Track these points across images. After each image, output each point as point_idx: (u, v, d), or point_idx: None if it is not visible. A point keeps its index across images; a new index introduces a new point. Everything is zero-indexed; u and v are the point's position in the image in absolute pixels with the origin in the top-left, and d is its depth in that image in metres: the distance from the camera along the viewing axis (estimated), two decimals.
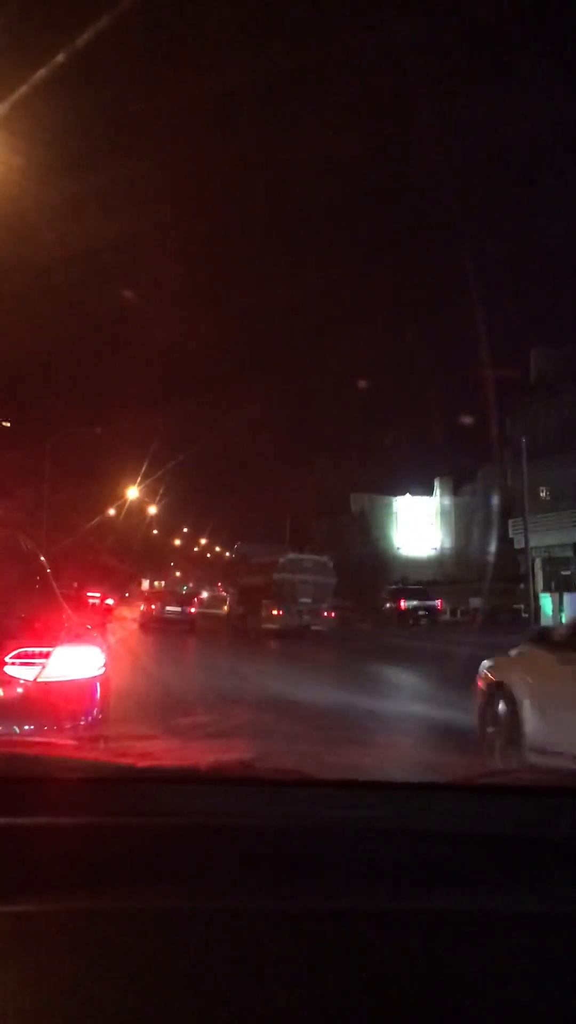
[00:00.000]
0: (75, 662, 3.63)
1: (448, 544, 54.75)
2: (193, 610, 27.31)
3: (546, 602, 32.88)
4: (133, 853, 1.22)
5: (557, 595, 33.12)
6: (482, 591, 30.85)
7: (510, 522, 35.03)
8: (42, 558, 4.65)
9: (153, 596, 28.88)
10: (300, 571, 25.41)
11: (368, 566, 44.41)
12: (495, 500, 36.28)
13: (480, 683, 5.77)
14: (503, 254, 60.78)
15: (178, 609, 26.23)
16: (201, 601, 32.52)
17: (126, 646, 16.93)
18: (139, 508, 41.81)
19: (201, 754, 1.75)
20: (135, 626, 25.18)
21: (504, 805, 1.45)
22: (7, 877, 1.14)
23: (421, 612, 33.09)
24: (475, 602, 31.08)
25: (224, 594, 36.66)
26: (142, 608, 27.64)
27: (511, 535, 34.89)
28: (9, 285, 23.39)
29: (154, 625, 24.67)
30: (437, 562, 52.09)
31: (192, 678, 13.09)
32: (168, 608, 26.23)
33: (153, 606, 26.69)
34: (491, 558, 31.60)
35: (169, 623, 24.65)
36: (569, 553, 33.74)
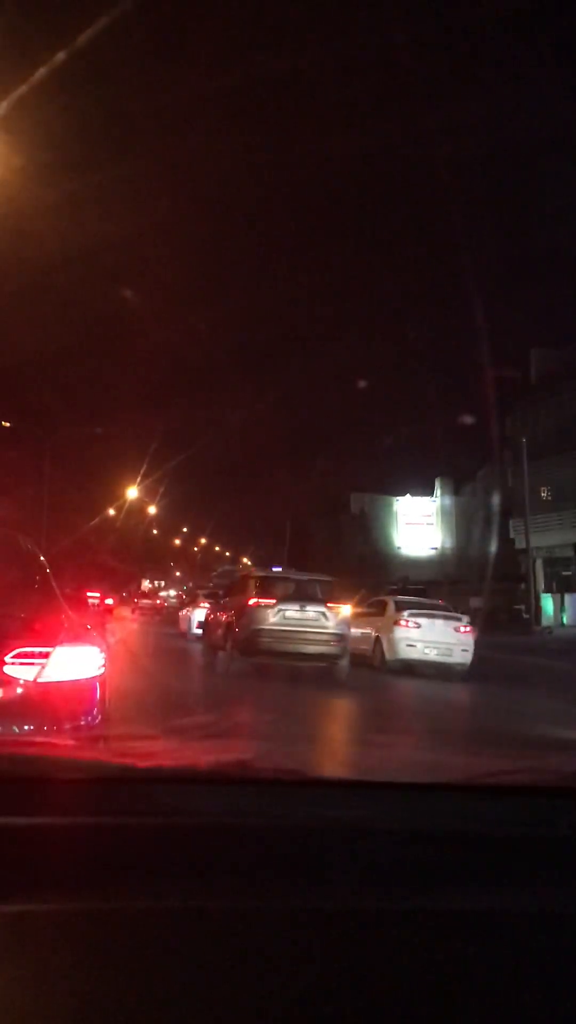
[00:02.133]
0: (75, 662, 3.63)
1: (448, 544, 54.73)
2: (159, 602, 45.85)
3: (547, 602, 32.89)
4: (133, 853, 1.22)
5: (558, 595, 33.13)
6: (482, 591, 30.81)
7: (511, 522, 35.02)
8: (42, 558, 4.65)
9: (133, 596, 47.37)
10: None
11: (368, 566, 44.40)
12: (495, 500, 36.24)
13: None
14: (503, 254, 60.76)
15: (149, 602, 45.65)
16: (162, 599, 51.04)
17: (124, 640, 19.16)
18: (139, 508, 42.57)
19: (200, 754, 1.75)
20: (133, 624, 31.18)
21: (504, 805, 1.45)
22: (7, 877, 1.14)
23: None
24: (475, 602, 31.04)
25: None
26: (134, 602, 46.55)
27: (512, 535, 34.89)
28: (9, 285, 23.37)
29: (138, 611, 41.87)
30: (437, 562, 52.05)
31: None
32: (144, 601, 45.56)
33: (137, 600, 45.81)
34: (491, 558, 31.59)
35: (144, 609, 42.15)
36: (570, 553, 33.74)
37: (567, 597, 32.58)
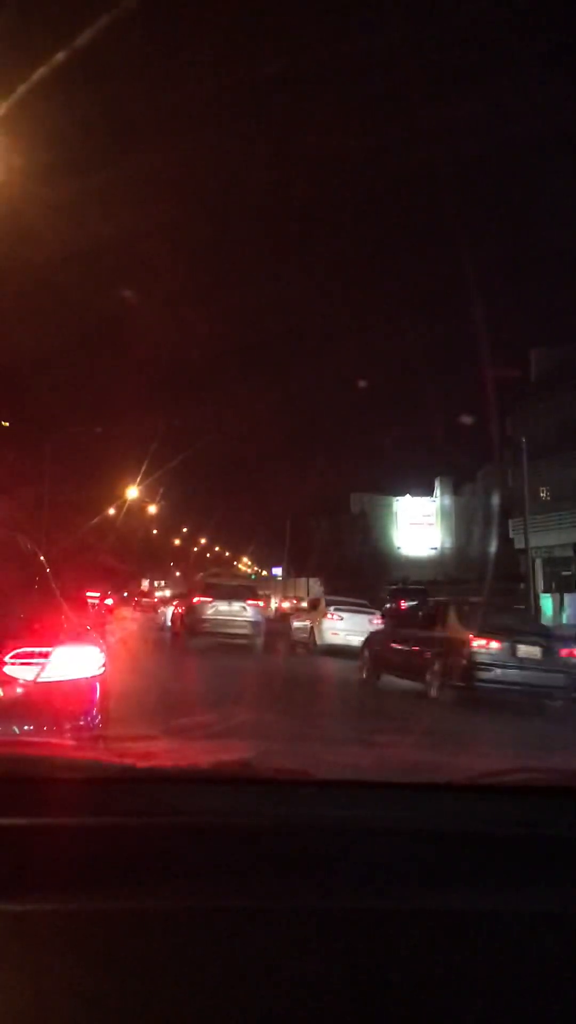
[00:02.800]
0: (75, 662, 3.63)
1: (448, 544, 54.77)
2: (155, 600, 47.07)
3: (546, 602, 32.87)
4: (133, 853, 1.22)
5: (557, 595, 33.14)
6: (482, 591, 30.77)
7: (510, 522, 34.98)
8: (42, 558, 4.65)
9: (133, 595, 49.43)
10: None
11: (368, 566, 44.40)
12: (495, 500, 36.22)
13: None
14: (503, 254, 60.81)
15: (148, 601, 47.18)
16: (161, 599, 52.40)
17: (123, 641, 20.25)
18: (139, 508, 42.42)
19: (201, 754, 1.74)
20: (133, 624, 31.03)
21: (504, 805, 1.45)
22: (7, 877, 1.14)
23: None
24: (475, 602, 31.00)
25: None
26: (134, 601, 48.27)
27: (511, 535, 34.86)
28: (9, 285, 23.39)
29: (138, 609, 43.58)
30: (437, 562, 52.07)
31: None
32: (144, 600, 47.48)
33: (136, 599, 47.29)
34: (491, 558, 31.54)
35: (144, 607, 42.58)
36: (569, 553, 33.72)
37: (567, 597, 32.59)
